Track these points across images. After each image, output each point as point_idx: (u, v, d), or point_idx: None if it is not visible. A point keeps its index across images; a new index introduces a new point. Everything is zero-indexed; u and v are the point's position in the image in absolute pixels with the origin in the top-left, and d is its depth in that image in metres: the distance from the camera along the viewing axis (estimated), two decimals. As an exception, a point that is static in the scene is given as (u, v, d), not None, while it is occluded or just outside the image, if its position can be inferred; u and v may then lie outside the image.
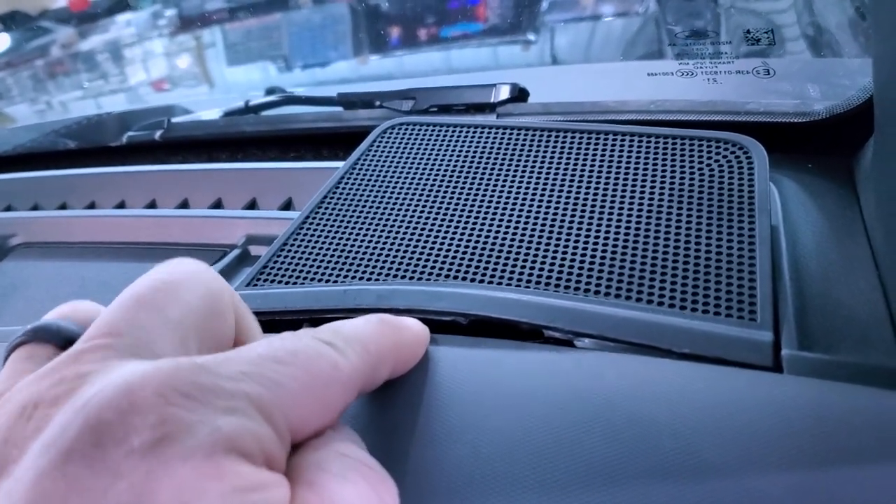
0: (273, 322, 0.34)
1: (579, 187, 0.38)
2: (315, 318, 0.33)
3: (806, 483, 0.21)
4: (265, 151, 0.59)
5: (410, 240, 0.37)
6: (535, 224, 0.36)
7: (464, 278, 0.34)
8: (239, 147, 0.60)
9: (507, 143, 0.42)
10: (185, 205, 0.53)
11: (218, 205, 0.52)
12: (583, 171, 0.39)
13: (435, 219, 0.38)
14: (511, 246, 0.35)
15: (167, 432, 0.15)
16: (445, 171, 0.41)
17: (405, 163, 0.42)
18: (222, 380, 0.16)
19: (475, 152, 0.42)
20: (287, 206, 0.50)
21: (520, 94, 0.54)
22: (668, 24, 0.62)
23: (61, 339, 0.20)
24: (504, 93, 0.53)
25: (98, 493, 0.14)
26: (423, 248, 0.36)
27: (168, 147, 0.64)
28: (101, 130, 0.73)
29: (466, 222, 0.37)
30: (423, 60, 0.93)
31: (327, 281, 0.36)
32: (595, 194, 0.37)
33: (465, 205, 0.38)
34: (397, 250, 0.37)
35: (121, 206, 0.56)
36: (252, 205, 0.51)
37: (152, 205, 0.54)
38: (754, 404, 0.24)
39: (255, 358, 0.18)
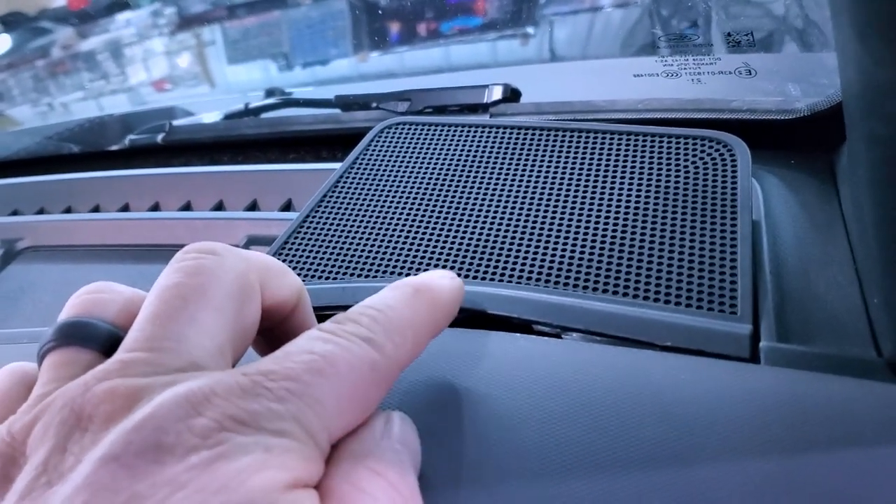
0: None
1: (568, 185, 0.39)
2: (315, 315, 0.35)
3: (782, 470, 0.22)
4: (265, 153, 0.60)
5: (407, 237, 0.38)
6: (525, 221, 0.37)
7: (458, 274, 0.35)
8: (240, 149, 0.62)
9: (500, 142, 0.43)
10: (187, 207, 0.54)
11: (220, 206, 0.53)
12: (572, 169, 0.40)
13: (430, 216, 0.39)
14: (503, 243, 0.36)
15: (223, 452, 0.16)
16: (440, 169, 0.42)
17: (401, 162, 0.43)
18: (271, 401, 0.17)
19: (469, 151, 0.43)
20: (287, 206, 0.51)
21: (512, 95, 0.55)
22: (658, 22, 0.63)
23: (98, 344, 0.21)
24: (497, 93, 0.54)
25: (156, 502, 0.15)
26: (419, 245, 0.37)
27: (170, 149, 0.65)
28: (104, 133, 0.74)
29: (461, 220, 0.38)
30: (423, 57, 0.93)
31: (327, 279, 0.37)
32: (584, 192, 0.38)
33: (459, 202, 0.39)
34: (394, 247, 0.38)
35: (125, 208, 0.57)
36: (253, 206, 0.52)
37: (156, 207, 0.55)
38: (732, 395, 0.25)
39: (296, 372, 0.18)
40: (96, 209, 0.58)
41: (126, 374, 0.18)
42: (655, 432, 0.24)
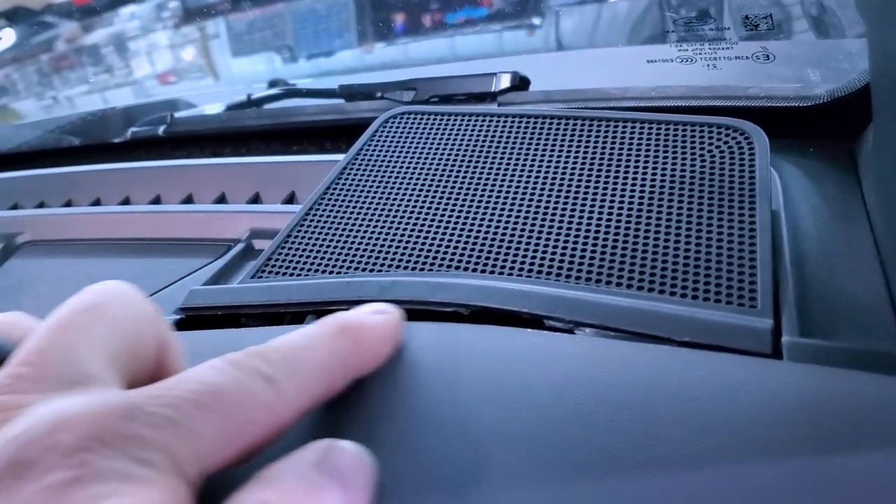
0: (278, 314, 0.35)
1: (580, 175, 0.38)
2: (318, 310, 0.34)
3: (804, 470, 0.21)
4: (268, 145, 0.60)
5: (413, 230, 0.37)
6: (535, 213, 0.36)
7: (466, 268, 0.35)
8: (242, 141, 0.61)
9: (508, 132, 0.42)
10: (189, 200, 0.53)
11: (222, 199, 0.52)
12: (584, 158, 0.39)
13: (437, 208, 0.38)
14: (513, 235, 0.36)
15: (80, 475, 0.15)
16: (447, 160, 0.41)
17: (407, 153, 0.42)
18: (144, 427, 0.17)
19: (476, 141, 0.42)
20: (290, 199, 0.50)
21: (520, 83, 0.54)
22: (670, 8, 0.61)
23: None
24: (505, 81, 0.53)
25: None
26: (426, 237, 0.37)
27: (172, 142, 0.64)
28: (105, 126, 0.74)
29: (468, 211, 0.37)
30: (429, 48, 0.92)
31: (331, 272, 0.36)
32: (596, 182, 0.37)
33: (466, 194, 0.39)
34: (399, 240, 0.37)
35: (125, 202, 0.56)
36: (256, 199, 0.51)
37: (157, 200, 0.54)
38: (753, 392, 0.24)
39: (180, 401, 0.18)
40: (97, 202, 0.57)
41: (8, 392, 0.18)
42: (672, 432, 0.23)
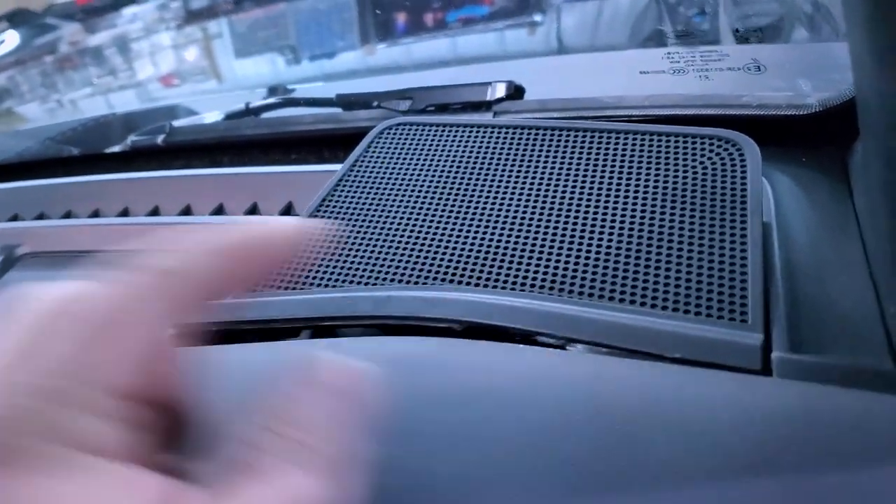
0: (274, 330, 0.35)
1: (572, 187, 0.38)
2: (313, 325, 0.34)
3: (793, 491, 0.21)
4: (267, 154, 0.60)
5: (408, 242, 0.37)
6: (528, 225, 0.37)
7: (460, 281, 0.35)
8: (241, 150, 0.61)
9: (503, 143, 0.42)
10: (187, 211, 0.53)
11: (220, 210, 0.52)
12: (576, 170, 0.39)
13: (431, 220, 0.38)
14: (507, 247, 0.36)
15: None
16: (441, 171, 0.41)
17: (402, 164, 0.42)
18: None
19: (471, 152, 0.42)
20: (287, 210, 0.50)
21: (515, 92, 0.54)
22: (665, 10, 0.61)
23: None
24: (500, 91, 0.54)
25: None
26: (420, 249, 0.37)
27: (171, 151, 0.65)
28: (104, 135, 0.74)
29: (462, 224, 0.38)
30: (428, 48, 0.92)
31: (327, 286, 0.36)
32: (588, 194, 0.37)
33: (461, 206, 0.39)
34: (395, 253, 0.37)
35: (124, 213, 0.56)
36: (253, 209, 0.51)
37: (155, 211, 0.54)
38: (742, 410, 0.24)
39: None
40: (96, 213, 0.57)
41: None
42: (662, 453, 0.23)
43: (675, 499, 0.22)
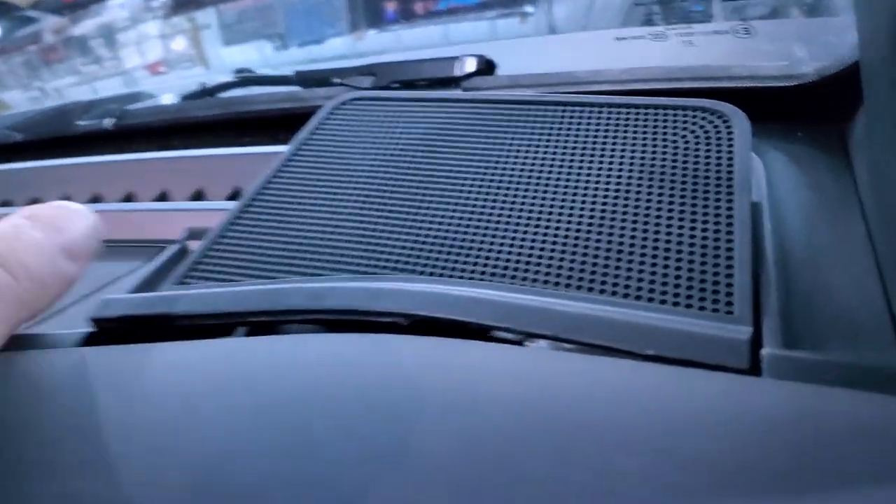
0: (203, 326, 0.31)
1: (542, 165, 0.35)
2: (243, 321, 0.30)
3: None
4: (220, 136, 0.56)
5: (356, 227, 0.34)
6: (492, 206, 0.33)
7: (413, 269, 0.32)
8: (193, 132, 0.57)
9: (467, 120, 0.39)
10: (129, 198, 0.49)
11: (163, 197, 0.48)
12: (546, 147, 0.36)
13: (385, 204, 0.35)
14: (465, 232, 0.32)
15: None
16: (399, 151, 0.38)
17: (356, 143, 0.39)
18: None
19: (433, 130, 0.39)
20: (235, 195, 0.47)
21: (486, 67, 0.50)
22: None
23: None
24: (470, 65, 0.50)
25: None
26: (372, 236, 0.34)
27: (123, 135, 0.61)
28: (57, 121, 0.70)
29: (419, 207, 0.34)
30: (421, 34, 0.92)
31: (266, 276, 0.33)
32: (559, 173, 0.34)
33: (418, 188, 0.36)
34: (341, 239, 0.34)
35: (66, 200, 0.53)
36: (198, 195, 0.48)
37: (96, 199, 0.51)
38: (726, 416, 0.21)
39: None
40: (35, 202, 0.53)
41: None
42: (632, 464, 0.20)
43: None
